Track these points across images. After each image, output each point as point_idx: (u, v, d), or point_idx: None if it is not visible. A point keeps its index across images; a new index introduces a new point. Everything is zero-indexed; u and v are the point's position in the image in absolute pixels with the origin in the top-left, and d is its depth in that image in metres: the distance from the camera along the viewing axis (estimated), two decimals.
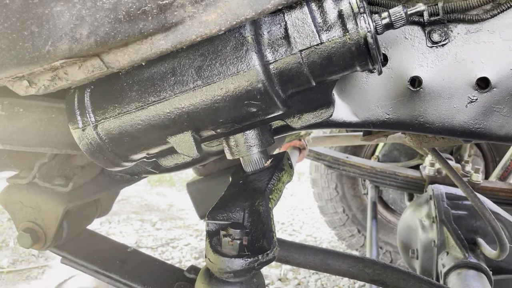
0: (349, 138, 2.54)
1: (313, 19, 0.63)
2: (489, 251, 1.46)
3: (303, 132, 2.34)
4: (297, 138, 2.34)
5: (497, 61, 0.78)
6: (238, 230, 0.65)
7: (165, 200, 4.97)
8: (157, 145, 0.75)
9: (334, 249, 1.19)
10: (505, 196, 2.15)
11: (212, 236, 0.68)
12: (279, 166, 0.81)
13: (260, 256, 0.64)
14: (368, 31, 0.62)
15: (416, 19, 0.80)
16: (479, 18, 0.77)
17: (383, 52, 0.83)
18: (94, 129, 0.71)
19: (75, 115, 0.72)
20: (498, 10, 0.76)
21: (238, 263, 0.62)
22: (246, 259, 0.63)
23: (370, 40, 0.62)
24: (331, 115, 0.76)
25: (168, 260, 3.41)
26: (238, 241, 0.64)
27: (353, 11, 0.62)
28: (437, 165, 2.34)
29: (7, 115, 0.87)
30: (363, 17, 0.62)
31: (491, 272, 1.47)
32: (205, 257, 0.65)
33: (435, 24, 0.80)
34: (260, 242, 0.65)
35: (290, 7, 0.64)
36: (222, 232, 0.66)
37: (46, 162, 1.04)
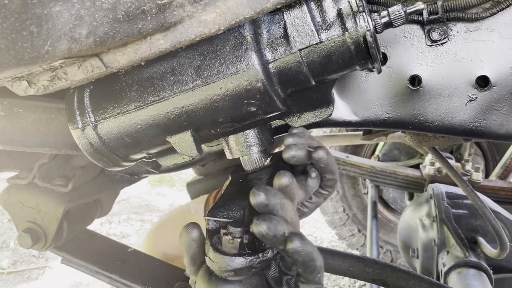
0: (349, 137, 2.53)
1: (312, 18, 0.63)
2: (489, 250, 1.46)
3: None
4: None
5: (496, 59, 0.78)
6: (239, 229, 0.65)
7: (165, 200, 4.97)
8: (157, 145, 0.75)
9: (334, 248, 1.19)
10: (505, 195, 2.15)
11: (212, 235, 0.67)
12: (279, 165, 0.81)
13: (260, 255, 0.64)
14: (368, 30, 0.62)
15: (415, 18, 0.80)
16: (478, 16, 0.77)
17: (383, 51, 0.83)
18: (94, 129, 0.71)
19: (74, 115, 0.72)
20: (498, 9, 0.76)
21: (239, 262, 0.62)
22: (246, 258, 0.63)
23: (369, 39, 0.62)
24: (330, 114, 0.76)
25: None
26: (239, 240, 0.64)
27: (352, 10, 0.62)
28: (437, 164, 2.34)
29: (6, 116, 0.87)
30: (362, 16, 0.62)
31: (491, 271, 1.47)
32: (205, 255, 0.65)
33: (435, 23, 0.80)
34: (260, 240, 0.65)
35: (289, 6, 0.64)
36: (222, 231, 0.66)
37: (46, 163, 1.04)
